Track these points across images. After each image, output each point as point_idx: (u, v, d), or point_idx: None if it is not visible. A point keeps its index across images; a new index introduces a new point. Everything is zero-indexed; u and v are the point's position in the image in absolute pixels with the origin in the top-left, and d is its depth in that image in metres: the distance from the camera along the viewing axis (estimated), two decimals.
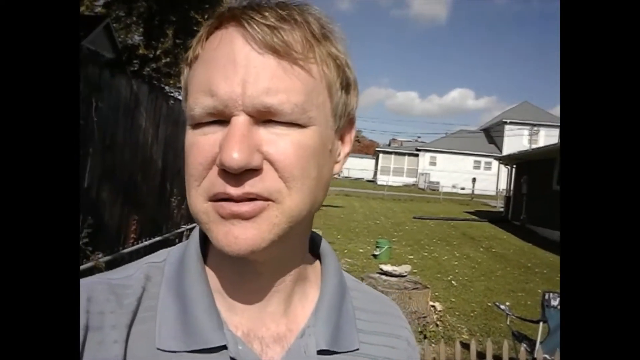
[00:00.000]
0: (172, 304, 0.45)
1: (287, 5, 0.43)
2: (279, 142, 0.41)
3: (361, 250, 8.32)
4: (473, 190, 28.94)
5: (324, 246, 0.56)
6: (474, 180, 29.81)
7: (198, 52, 0.43)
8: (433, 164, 33.39)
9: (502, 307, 3.67)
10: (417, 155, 34.38)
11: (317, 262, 0.55)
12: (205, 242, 0.50)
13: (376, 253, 7.70)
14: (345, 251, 8.11)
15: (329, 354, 0.48)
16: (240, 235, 0.40)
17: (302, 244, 0.50)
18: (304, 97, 0.41)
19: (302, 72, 0.41)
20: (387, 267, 4.75)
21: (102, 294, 0.43)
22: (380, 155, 37.17)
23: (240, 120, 0.39)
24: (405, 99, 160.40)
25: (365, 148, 71.39)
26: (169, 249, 0.51)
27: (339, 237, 9.69)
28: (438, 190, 28.42)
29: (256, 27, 0.40)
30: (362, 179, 40.71)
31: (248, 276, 0.47)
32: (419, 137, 42.73)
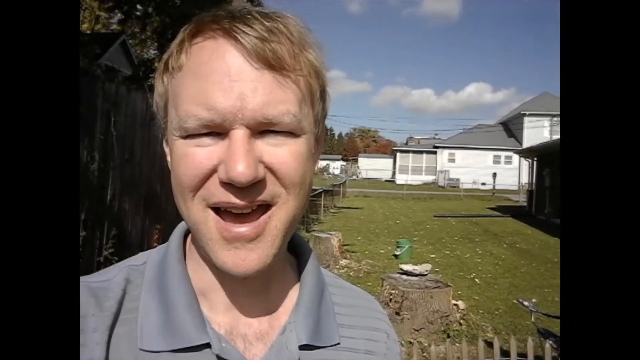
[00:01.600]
0: (154, 305, 0.46)
1: (269, 15, 0.43)
2: (278, 152, 0.42)
3: (382, 251, 8.27)
4: (494, 186, 28.41)
5: (301, 243, 0.57)
6: (494, 175, 29.28)
7: (182, 61, 0.43)
8: (452, 160, 32.95)
9: (526, 303, 3.61)
10: (435, 153, 33.98)
11: (294, 258, 0.56)
12: (185, 243, 0.52)
13: (397, 253, 7.65)
14: (366, 252, 8.08)
15: (311, 349, 0.49)
16: (247, 257, 0.42)
17: (285, 245, 0.51)
18: (298, 108, 0.43)
19: (292, 83, 0.42)
20: (407, 267, 4.72)
21: (82, 297, 0.43)
22: (398, 154, 36.90)
23: (241, 134, 0.40)
24: (421, 97, 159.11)
25: (382, 148, 70.93)
26: (148, 251, 0.52)
27: (359, 238, 9.67)
28: (458, 187, 28.02)
29: (248, 40, 0.41)
30: (381, 179, 40.47)
31: (230, 280, 0.47)
32: (436, 134, 42.24)
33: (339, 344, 0.51)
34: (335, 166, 56.71)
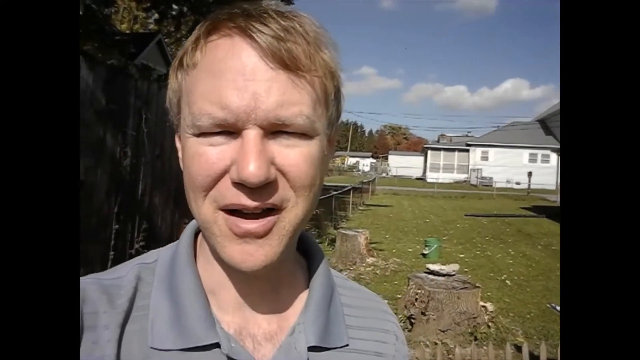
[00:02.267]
0: (165, 303, 0.46)
1: (285, 14, 0.43)
2: (290, 154, 0.42)
3: (410, 250, 8.17)
4: (529, 185, 27.47)
5: (311, 244, 0.57)
6: (529, 174, 28.27)
7: (197, 59, 0.43)
8: (485, 158, 32.07)
9: (558, 308, 3.47)
10: (467, 151, 33.18)
11: (305, 259, 0.56)
12: (195, 241, 0.52)
13: (425, 252, 7.53)
14: (394, 250, 8.00)
15: (320, 350, 0.49)
16: (255, 253, 0.42)
17: (294, 244, 0.51)
18: (312, 109, 0.42)
19: (307, 84, 0.42)
20: (434, 267, 4.63)
21: (94, 295, 0.44)
22: (429, 152, 36.27)
23: (254, 135, 0.40)
24: (454, 94, 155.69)
25: (414, 145, 69.92)
26: (159, 249, 0.53)
27: (387, 236, 9.58)
28: (491, 186, 27.27)
29: (264, 40, 0.40)
30: (411, 176, 39.94)
31: (240, 277, 0.48)
32: (469, 131, 41.30)
33: (347, 345, 0.51)
34: (365, 163, 56.43)
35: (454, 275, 4.54)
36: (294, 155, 0.42)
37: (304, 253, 0.56)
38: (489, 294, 5.42)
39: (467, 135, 39.86)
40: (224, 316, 0.48)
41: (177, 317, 0.45)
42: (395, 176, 40.38)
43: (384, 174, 42.76)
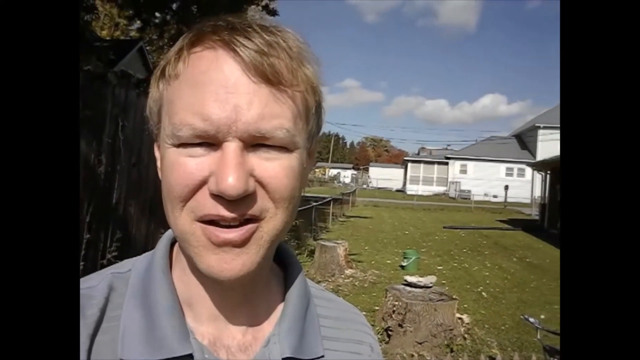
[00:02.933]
0: (137, 314, 0.46)
1: (268, 28, 0.44)
2: (269, 166, 0.42)
3: (389, 262, 8.20)
4: (506, 198, 28.07)
5: (289, 255, 0.57)
6: (506, 187, 28.94)
7: (179, 69, 0.43)
8: (464, 172, 32.68)
9: (532, 320, 3.53)
10: (446, 164, 33.76)
11: (281, 270, 0.56)
12: (172, 251, 0.52)
13: (404, 264, 7.58)
14: (373, 262, 8.03)
15: None
16: (232, 262, 0.42)
17: (271, 255, 0.51)
18: (292, 123, 0.43)
19: (288, 98, 0.43)
20: (411, 278, 4.66)
21: None
22: (409, 164, 36.75)
23: (234, 147, 0.40)
24: (435, 107, 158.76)
25: (394, 158, 70.78)
26: (134, 259, 0.52)
27: (366, 248, 9.61)
28: (469, 198, 27.76)
29: (247, 53, 0.41)
30: (391, 188, 40.30)
31: (216, 290, 0.48)
32: (448, 145, 42.06)
33: (322, 356, 0.51)
34: (346, 175, 56.68)
35: (431, 287, 4.58)
36: (274, 168, 0.42)
37: (281, 264, 0.56)
38: (465, 305, 5.47)
39: (446, 149, 40.56)
40: (199, 327, 0.47)
41: (149, 328, 0.45)
42: (376, 188, 40.66)
43: (364, 186, 43.03)
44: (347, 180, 51.20)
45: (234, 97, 0.40)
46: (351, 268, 7.09)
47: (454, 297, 4.51)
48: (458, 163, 33.06)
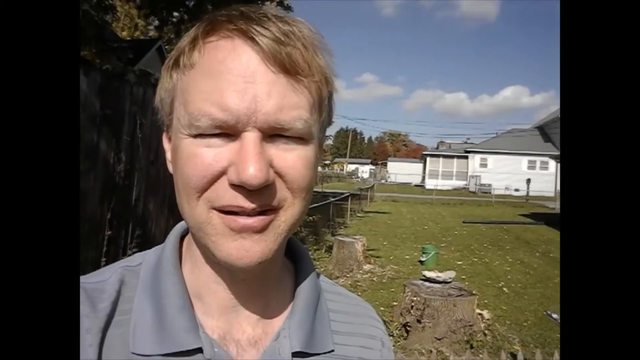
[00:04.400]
0: (148, 308, 0.46)
1: (283, 18, 0.43)
2: (288, 157, 0.42)
3: (407, 257, 8.14)
4: (528, 192, 27.49)
5: (299, 249, 0.57)
6: (528, 181, 28.31)
7: (195, 59, 0.43)
8: (484, 165, 32.10)
9: (555, 316, 3.45)
10: (466, 158, 33.23)
11: (292, 264, 0.56)
12: (182, 244, 0.52)
13: (423, 259, 7.50)
14: (391, 258, 7.97)
15: (304, 356, 0.48)
16: (252, 249, 0.42)
17: (283, 247, 0.51)
18: (309, 114, 0.43)
19: (305, 89, 0.42)
20: (430, 274, 4.61)
21: None
22: (428, 158, 36.31)
23: (254, 137, 0.40)
24: (454, 101, 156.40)
25: (413, 152, 70.07)
26: (144, 252, 0.52)
27: (385, 243, 9.55)
28: (490, 192, 27.28)
29: (266, 43, 0.40)
30: (410, 183, 39.95)
31: (227, 282, 0.48)
32: (468, 138, 41.35)
33: (333, 351, 0.51)
34: (364, 170, 56.47)
35: (450, 282, 4.52)
36: (292, 158, 0.42)
37: (292, 258, 0.56)
38: (485, 301, 5.39)
39: (466, 142, 39.93)
40: (208, 321, 0.47)
41: (159, 322, 0.45)
42: (394, 183, 40.39)
43: (383, 181, 42.79)
44: (366, 176, 51.05)
45: (252, 87, 0.40)
46: (369, 264, 7.06)
47: (473, 292, 4.44)
48: (478, 156, 32.48)
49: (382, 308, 4.91)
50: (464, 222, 13.98)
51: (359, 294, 4.73)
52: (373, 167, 58.43)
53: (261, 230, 0.42)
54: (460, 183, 33.26)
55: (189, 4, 7.11)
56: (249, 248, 0.42)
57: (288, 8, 7.51)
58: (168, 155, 0.48)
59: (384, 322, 4.28)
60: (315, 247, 7.67)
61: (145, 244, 3.48)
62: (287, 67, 0.41)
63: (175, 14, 7.24)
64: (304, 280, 0.53)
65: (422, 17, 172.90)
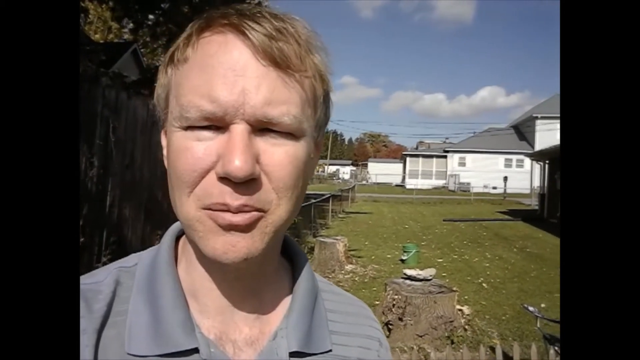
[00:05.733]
0: (143, 308, 0.45)
1: (278, 16, 0.43)
2: (275, 153, 0.42)
3: (389, 256, 8.20)
4: (505, 189, 28.08)
5: (296, 249, 0.57)
6: (505, 179, 28.93)
7: (188, 54, 0.43)
8: (462, 164, 32.67)
9: (531, 309, 3.53)
10: (445, 157, 33.75)
11: (289, 264, 0.56)
12: (177, 244, 0.51)
13: (404, 258, 7.57)
14: (373, 257, 8.02)
15: (302, 356, 0.48)
16: (238, 244, 0.42)
17: (278, 248, 0.51)
18: (300, 109, 0.42)
19: (296, 84, 0.42)
20: (411, 272, 4.65)
21: None
22: (408, 158, 36.75)
23: (241, 129, 0.40)
24: (433, 101, 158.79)
25: (393, 152, 70.74)
26: (139, 253, 0.52)
27: (366, 243, 9.61)
28: (469, 191, 27.77)
29: (256, 37, 0.40)
30: (391, 183, 40.30)
31: (222, 281, 0.47)
32: (446, 138, 41.99)
33: (330, 351, 0.51)
34: (345, 171, 56.68)
35: (430, 279, 4.57)
36: (279, 155, 0.42)
37: (289, 258, 0.56)
38: (465, 297, 5.47)
39: (445, 142, 40.55)
40: (205, 321, 0.47)
41: (155, 323, 0.44)
42: (375, 183, 40.66)
43: (363, 182, 43.02)
44: (346, 177, 51.22)
45: (242, 80, 0.40)
46: (351, 264, 7.08)
47: (453, 289, 4.51)
48: (457, 156, 33.04)
49: None
50: (444, 221, 14.19)
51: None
52: (354, 168, 58.73)
53: (247, 228, 0.42)
54: (440, 182, 33.75)
55: (164, 6, 7.01)
56: (235, 243, 0.42)
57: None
58: (165, 152, 0.47)
59: None
60: None
61: (120, 250, 3.40)
62: (278, 61, 0.41)
63: (151, 16, 7.12)
64: (301, 279, 0.53)
65: (401, 19, 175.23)
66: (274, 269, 0.52)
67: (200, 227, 0.42)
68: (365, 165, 54.09)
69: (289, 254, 0.56)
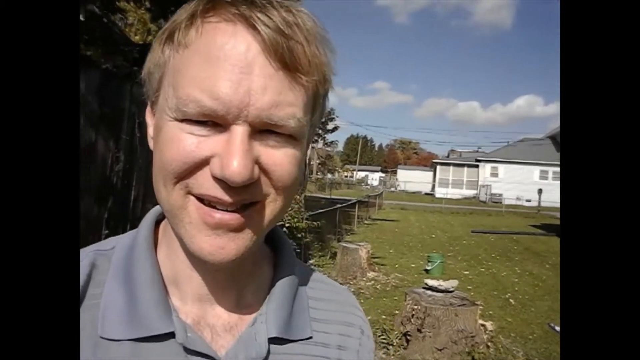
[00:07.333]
0: (119, 292, 0.45)
1: (288, 7, 0.41)
2: (275, 154, 0.41)
3: (413, 265, 8.02)
4: (539, 202, 27.07)
5: (280, 236, 0.56)
6: (540, 191, 27.90)
7: (191, 38, 0.40)
8: (494, 175, 31.75)
9: (558, 328, 3.33)
10: (477, 167, 32.91)
11: (271, 251, 0.55)
12: (157, 229, 0.50)
13: (428, 268, 7.38)
14: (397, 266, 7.87)
15: (281, 342, 0.48)
16: (226, 246, 0.40)
17: (263, 236, 0.50)
18: (303, 112, 0.41)
19: (302, 87, 0.41)
20: (432, 282, 4.51)
21: None
22: (438, 167, 36.08)
23: (242, 131, 0.38)
24: (467, 109, 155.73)
25: (423, 160, 69.75)
26: (118, 236, 0.51)
27: (391, 251, 9.44)
28: (501, 202, 26.94)
29: (267, 33, 0.38)
30: (420, 192, 39.68)
31: (202, 269, 0.46)
32: (479, 147, 41.02)
33: (311, 337, 0.50)
34: (374, 177, 56.34)
35: (452, 291, 4.41)
36: (280, 156, 0.41)
37: (272, 245, 0.55)
38: (490, 312, 5.26)
39: (477, 151, 39.61)
40: (183, 306, 0.46)
41: (130, 306, 0.44)
42: (403, 191, 40.14)
43: (392, 189, 42.56)
44: (375, 183, 50.87)
45: (247, 79, 0.38)
46: (374, 271, 6.96)
47: (476, 302, 4.33)
48: (489, 165, 32.15)
49: (383, 316, 4.81)
50: (472, 232, 13.79)
51: (362, 301, 4.65)
52: (383, 175, 58.26)
53: (238, 228, 0.40)
54: (471, 192, 32.92)
55: None
56: (223, 245, 0.40)
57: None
58: (150, 131, 0.46)
59: (384, 330, 4.21)
60: (320, 254, 7.60)
61: None
62: (287, 63, 0.39)
63: None
64: (282, 266, 0.52)
65: (436, 25, 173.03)
66: (257, 257, 0.51)
67: (187, 218, 0.40)
68: (395, 172, 53.53)
69: (272, 242, 0.55)
